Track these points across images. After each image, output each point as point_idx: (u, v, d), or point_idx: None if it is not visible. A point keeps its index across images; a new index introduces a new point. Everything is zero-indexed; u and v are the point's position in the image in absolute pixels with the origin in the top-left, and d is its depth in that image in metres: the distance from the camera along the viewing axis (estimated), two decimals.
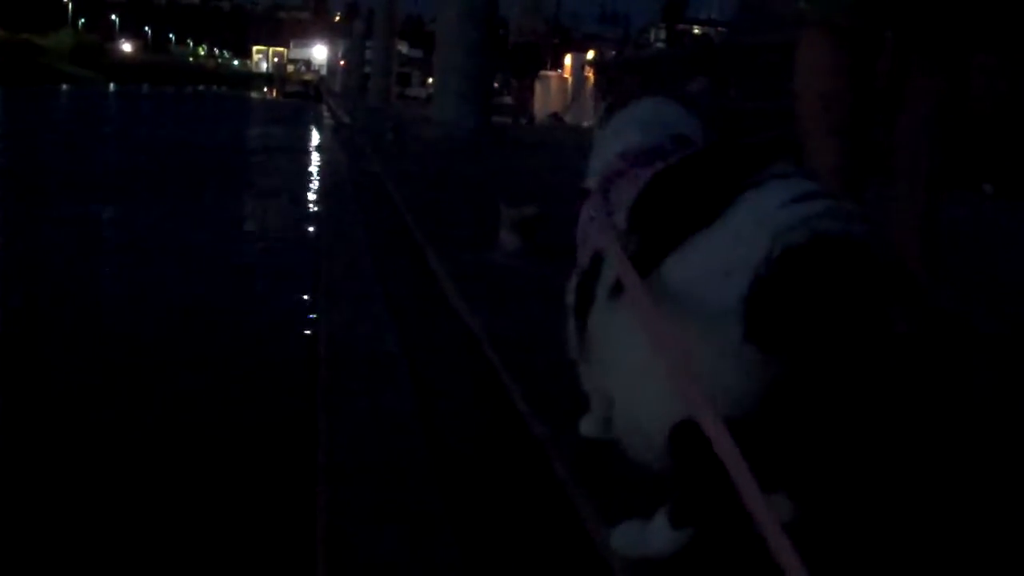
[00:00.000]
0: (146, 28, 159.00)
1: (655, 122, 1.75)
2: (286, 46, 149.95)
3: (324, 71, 78.36)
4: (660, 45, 20.98)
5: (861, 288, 1.24)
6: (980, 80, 2.81)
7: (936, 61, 2.77)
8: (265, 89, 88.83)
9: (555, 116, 17.96)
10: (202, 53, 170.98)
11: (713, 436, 1.14)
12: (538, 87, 22.90)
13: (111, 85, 62.75)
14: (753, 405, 1.27)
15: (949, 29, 2.73)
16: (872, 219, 1.31)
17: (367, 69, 26.26)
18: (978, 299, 3.25)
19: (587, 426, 1.89)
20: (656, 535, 1.44)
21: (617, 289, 1.45)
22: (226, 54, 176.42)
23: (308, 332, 4.25)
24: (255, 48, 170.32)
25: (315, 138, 18.98)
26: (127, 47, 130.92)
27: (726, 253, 1.29)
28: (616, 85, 18.12)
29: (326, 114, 24.19)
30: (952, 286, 2.95)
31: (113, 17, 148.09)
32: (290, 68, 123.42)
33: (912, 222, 2.85)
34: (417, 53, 65.81)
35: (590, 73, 19.69)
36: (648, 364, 1.36)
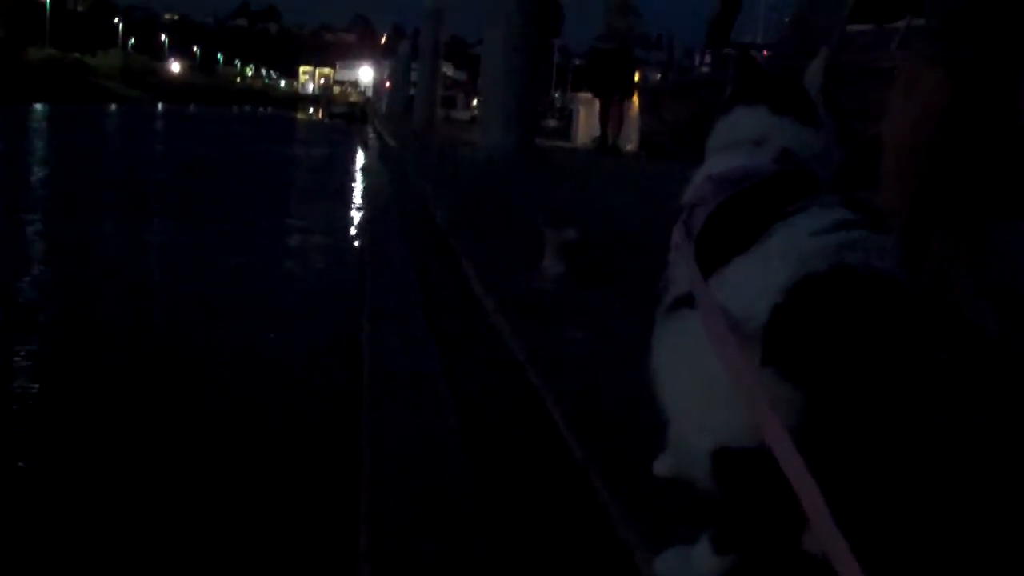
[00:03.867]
0: (195, 49, 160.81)
1: (761, 136, 1.67)
2: (332, 67, 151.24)
3: (370, 92, 78.75)
4: (705, 69, 20.86)
5: (879, 319, 1.24)
6: None
7: (1003, 90, 2.76)
8: (311, 110, 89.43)
9: (598, 139, 17.86)
10: (249, 74, 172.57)
11: (780, 456, 1.14)
12: (582, 110, 22.78)
13: (159, 104, 63.55)
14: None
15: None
16: (903, 251, 1.31)
17: (412, 91, 26.37)
18: None
19: (660, 465, 1.81)
20: (699, 561, 1.44)
21: (669, 311, 1.45)
22: (273, 75, 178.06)
23: (352, 350, 4.28)
24: (302, 69, 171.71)
25: (361, 159, 19.10)
26: (176, 67, 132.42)
27: (754, 279, 1.31)
28: (660, 109, 17.94)
29: (371, 135, 24.31)
30: (1001, 314, 2.92)
31: (163, 38, 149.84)
32: (336, 89, 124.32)
33: (959, 249, 2.84)
34: (462, 75, 66.10)
35: (634, 96, 19.55)
36: (695, 386, 1.37)
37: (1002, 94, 2.78)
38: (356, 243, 8.04)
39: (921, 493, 1.76)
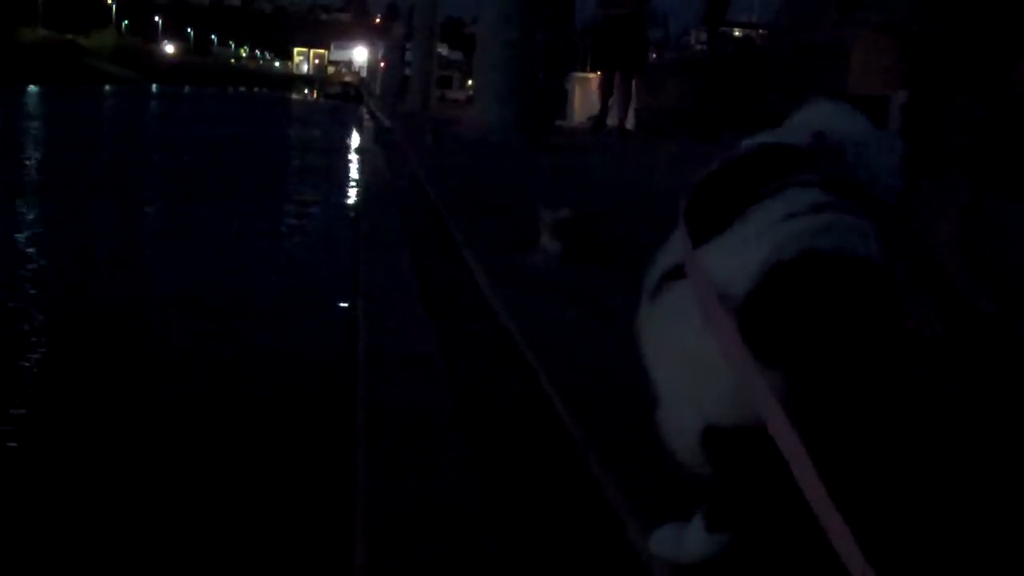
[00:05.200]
0: (188, 30, 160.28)
1: (809, 120, 1.59)
2: (327, 48, 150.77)
3: (364, 73, 78.58)
4: (701, 47, 20.80)
5: (849, 302, 1.23)
6: None
7: (987, 65, 2.76)
8: (306, 91, 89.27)
9: (592, 119, 17.76)
10: (243, 54, 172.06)
11: (778, 436, 1.14)
12: (577, 90, 22.72)
13: (153, 86, 63.45)
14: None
15: (1003, 31, 2.72)
16: (885, 233, 1.30)
17: (407, 71, 26.34)
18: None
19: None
20: (693, 540, 1.44)
21: (657, 288, 1.44)
22: (267, 55, 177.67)
23: (346, 331, 4.28)
24: (296, 50, 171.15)
25: (356, 140, 19.07)
26: (170, 48, 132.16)
27: (728, 263, 1.30)
28: (657, 87, 17.87)
29: (366, 116, 24.27)
30: (996, 289, 2.92)
31: (156, 19, 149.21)
32: (331, 70, 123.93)
33: (953, 224, 2.84)
34: (457, 55, 65.99)
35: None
36: (681, 364, 1.36)
37: (960, 66, 2.78)
38: (352, 222, 8.03)
39: (905, 469, 1.76)
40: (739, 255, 1.29)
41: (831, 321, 1.22)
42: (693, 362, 1.33)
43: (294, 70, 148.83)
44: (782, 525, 1.45)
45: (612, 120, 14.13)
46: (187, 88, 65.89)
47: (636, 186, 7.42)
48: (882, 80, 2.80)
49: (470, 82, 29.31)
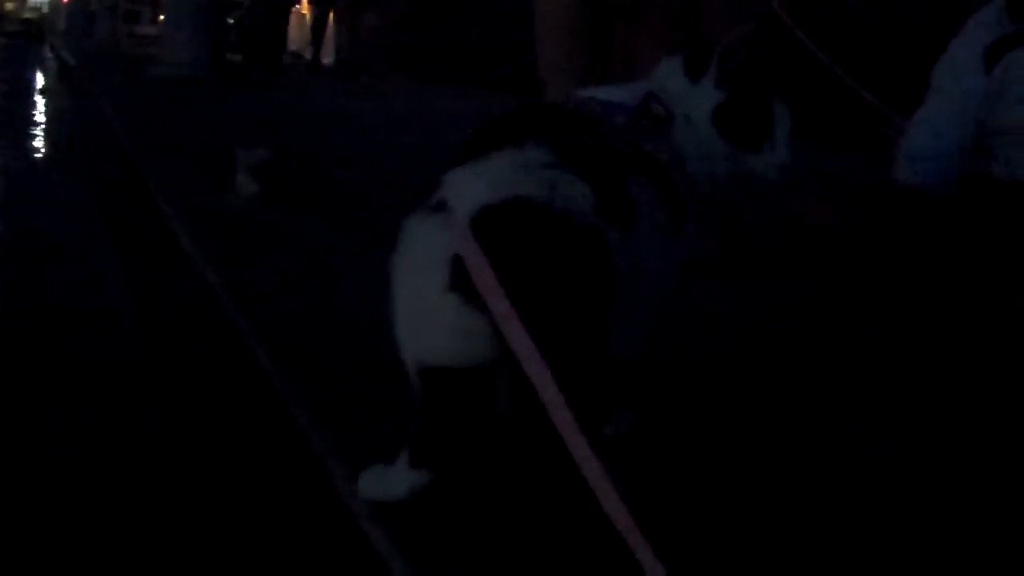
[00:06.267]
0: None
1: (654, 79, 1.72)
2: None
3: (46, 8, 73.91)
4: None
5: (544, 250, 1.28)
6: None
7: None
8: None
9: (295, 55, 17.28)
10: None
11: (537, 384, 1.17)
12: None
13: None
14: (479, 357, 1.29)
15: None
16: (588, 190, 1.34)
17: (93, 7, 24.96)
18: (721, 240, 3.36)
19: None
20: (397, 477, 1.44)
21: (410, 225, 1.41)
22: None
23: (33, 288, 4.03)
24: None
25: (38, 80, 17.91)
26: None
27: (452, 194, 1.34)
28: (355, 19, 17.52)
29: (49, 55, 22.87)
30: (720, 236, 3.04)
31: None
32: (9, 6, 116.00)
33: None
34: None
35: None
36: (407, 304, 1.36)
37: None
38: (34, 170, 7.55)
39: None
40: (460, 195, 1.32)
41: (522, 264, 1.26)
42: (416, 304, 1.34)
43: None
44: (486, 464, 1.48)
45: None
46: None
47: (332, 124, 7.33)
48: (570, 46, 2.81)
49: (161, 17, 28.09)
